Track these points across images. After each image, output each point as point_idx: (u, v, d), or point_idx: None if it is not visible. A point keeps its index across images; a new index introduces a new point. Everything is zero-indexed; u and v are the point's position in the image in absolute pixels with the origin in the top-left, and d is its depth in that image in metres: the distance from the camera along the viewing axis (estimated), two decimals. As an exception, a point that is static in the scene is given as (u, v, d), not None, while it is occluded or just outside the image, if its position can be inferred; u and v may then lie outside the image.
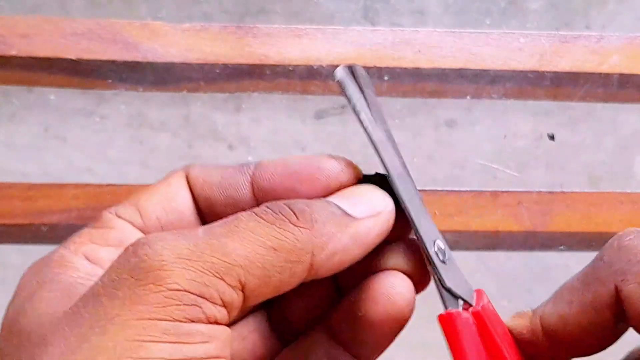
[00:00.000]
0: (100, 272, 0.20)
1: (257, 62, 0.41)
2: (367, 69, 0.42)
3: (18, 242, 0.42)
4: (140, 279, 0.18)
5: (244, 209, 0.22)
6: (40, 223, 0.39)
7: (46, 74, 0.42)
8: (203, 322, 0.18)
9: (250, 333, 0.24)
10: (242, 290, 0.19)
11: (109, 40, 0.41)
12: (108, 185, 0.40)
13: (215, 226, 0.19)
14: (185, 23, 0.42)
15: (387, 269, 0.23)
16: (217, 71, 0.41)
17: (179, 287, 0.18)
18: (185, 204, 0.23)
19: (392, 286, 0.22)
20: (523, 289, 0.88)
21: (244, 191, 0.23)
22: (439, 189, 0.41)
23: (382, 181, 0.23)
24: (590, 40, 0.43)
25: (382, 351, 0.23)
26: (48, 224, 0.39)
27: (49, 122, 0.81)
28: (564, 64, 0.42)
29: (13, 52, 0.40)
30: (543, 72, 0.42)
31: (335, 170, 0.22)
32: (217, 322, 0.18)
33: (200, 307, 0.18)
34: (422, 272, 0.23)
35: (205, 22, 0.42)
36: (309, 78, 0.42)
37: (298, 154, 0.87)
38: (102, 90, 0.45)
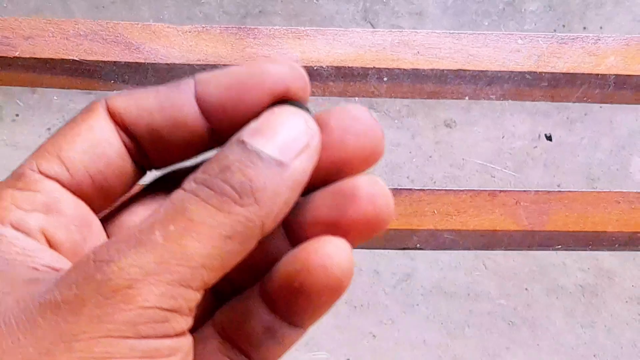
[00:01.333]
0: (32, 245, 0.20)
1: (258, 63, 0.41)
2: (367, 70, 0.42)
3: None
4: (108, 297, 0.17)
5: (194, 131, 0.21)
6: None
7: (49, 75, 0.42)
8: (170, 337, 0.18)
9: None
10: (204, 289, 0.18)
11: (111, 42, 0.41)
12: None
13: (168, 222, 0.18)
14: (187, 25, 0.42)
15: (320, 225, 0.21)
16: (219, 72, 0.42)
17: (149, 305, 0.17)
18: (111, 147, 0.21)
19: (328, 256, 0.20)
20: (521, 287, 0.88)
21: (191, 110, 0.21)
22: (438, 188, 0.41)
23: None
24: (587, 42, 0.43)
25: (318, 319, 0.22)
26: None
27: (52, 123, 0.81)
28: (562, 65, 0.42)
29: (17, 54, 0.40)
30: (541, 73, 0.42)
31: (280, 74, 0.21)
32: (183, 333, 0.18)
33: (169, 322, 0.17)
34: (358, 220, 0.21)
35: (206, 24, 0.42)
36: (309, 79, 0.42)
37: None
38: (105, 91, 0.45)
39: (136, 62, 0.41)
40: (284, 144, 0.19)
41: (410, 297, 0.89)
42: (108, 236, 0.22)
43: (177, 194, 0.19)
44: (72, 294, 0.17)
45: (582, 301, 0.88)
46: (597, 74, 0.42)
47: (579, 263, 0.89)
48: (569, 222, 0.41)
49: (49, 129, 0.82)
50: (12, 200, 0.20)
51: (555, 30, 0.93)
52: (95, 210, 0.22)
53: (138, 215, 0.23)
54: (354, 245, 0.21)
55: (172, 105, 0.21)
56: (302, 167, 0.19)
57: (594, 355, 0.87)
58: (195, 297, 0.18)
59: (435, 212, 0.40)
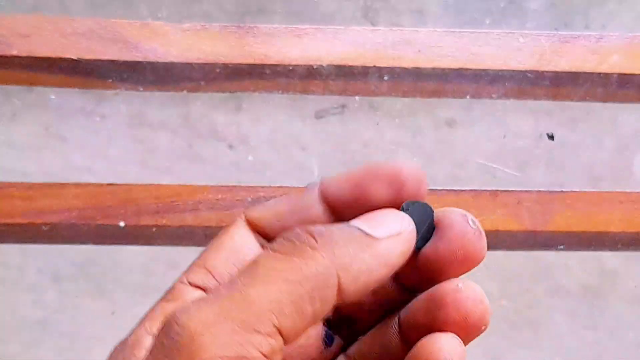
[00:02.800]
0: None
1: (257, 61, 0.41)
2: (367, 68, 0.42)
3: (18, 242, 0.42)
4: (174, 358, 0.18)
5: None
6: (41, 222, 0.39)
7: (46, 74, 0.42)
8: None
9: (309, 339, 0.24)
10: (280, 334, 0.18)
11: (109, 40, 0.41)
12: (108, 184, 0.40)
13: (238, 276, 0.19)
14: (186, 23, 0.42)
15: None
16: (217, 71, 0.42)
17: (214, 355, 0.17)
18: (252, 252, 0.23)
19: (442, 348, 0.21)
20: (523, 288, 0.88)
21: (316, 208, 0.23)
22: (439, 188, 0.41)
23: (423, 210, 0.23)
24: (590, 40, 0.43)
25: None
26: (48, 223, 0.39)
27: (49, 122, 0.81)
28: (564, 64, 0.42)
29: (14, 52, 0.40)
30: (543, 71, 0.42)
31: (396, 168, 0.22)
32: None
33: None
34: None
35: (205, 22, 0.42)
36: (309, 78, 0.42)
37: (298, 153, 0.87)
38: (103, 90, 0.45)
39: (134, 61, 0.41)
40: (377, 224, 0.21)
41: (411, 297, 0.89)
42: None
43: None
44: None
45: (585, 302, 0.88)
46: (600, 73, 0.42)
47: (581, 264, 0.88)
48: (572, 222, 0.41)
49: (46, 128, 0.81)
50: (162, 311, 0.22)
51: (557, 29, 0.92)
52: None
53: None
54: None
55: (302, 206, 0.23)
56: (390, 246, 0.21)
57: (597, 357, 0.87)
58: (267, 341, 0.18)
59: (436, 212, 0.40)
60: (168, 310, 0.21)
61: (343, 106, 0.87)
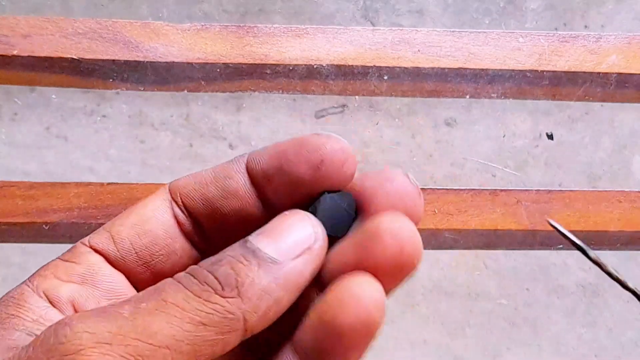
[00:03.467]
0: (54, 315, 0.20)
1: (258, 61, 0.41)
2: (367, 68, 0.42)
3: (19, 241, 0.42)
4: None
5: (242, 197, 0.22)
6: (42, 222, 0.39)
7: (48, 74, 0.42)
8: None
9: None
10: None
11: (110, 40, 0.41)
12: (109, 184, 0.40)
13: (142, 300, 0.18)
14: (186, 23, 0.42)
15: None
16: (218, 71, 0.42)
17: None
18: (160, 224, 0.22)
19: (359, 287, 0.19)
20: (522, 287, 0.88)
21: (240, 178, 0.22)
22: (438, 187, 0.41)
23: (342, 200, 0.21)
24: (589, 40, 0.43)
25: None
26: (49, 222, 0.39)
27: (50, 122, 0.81)
28: (563, 64, 0.42)
29: (15, 52, 0.40)
30: (542, 71, 0.42)
31: (318, 143, 0.21)
32: None
33: None
34: (389, 270, 0.20)
35: (205, 22, 0.42)
36: (309, 78, 0.42)
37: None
38: (104, 90, 0.45)
39: (135, 61, 0.41)
40: (284, 245, 0.20)
41: (411, 296, 0.89)
42: None
43: (164, 280, 0.19)
44: (26, 356, 0.18)
45: (583, 301, 0.88)
46: (599, 73, 0.42)
47: (580, 263, 0.88)
48: (570, 222, 0.41)
49: (47, 127, 0.81)
50: (54, 270, 0.21)
51: (556, 29, 0.93)
52: (140, 287, 0.22)
53: None
54: (386, 289, 0.20)
55: (225, 175, 0.22)
56: (298, 269, 0.19)
57: (595, 355, 0.87)
58: None
59: (436, 211, 0.40)
60: (60, 268, 0.21)
61: (343, 106, 0.87)
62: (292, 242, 0.20)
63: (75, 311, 0.21)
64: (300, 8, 0.89)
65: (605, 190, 0.42)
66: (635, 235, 0.41)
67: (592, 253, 0.21)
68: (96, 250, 0.22)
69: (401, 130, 0.88)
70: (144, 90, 0.43)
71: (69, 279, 0.21)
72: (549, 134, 0.88)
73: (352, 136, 0.87)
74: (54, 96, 0.74)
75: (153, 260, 0.22)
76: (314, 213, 0.21)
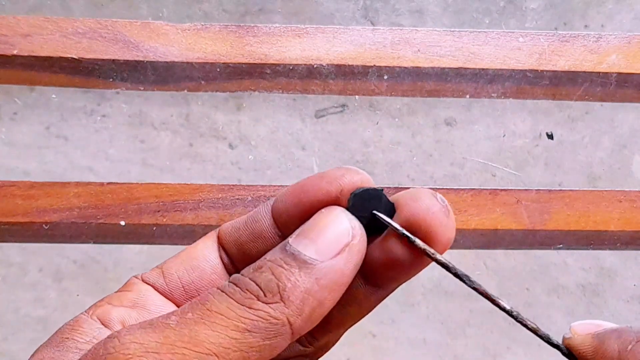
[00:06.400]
0: (106, 333, 0.21)
1: (258, 61, 0.41)
2: (367, 68, 0.42)
3: (19, 240, 0.42)
4: None
5: (267, 239, 0.22)
6: (42, 221, 0.39)
7: (48, 73, 0.42)
8: None
9: None
10: None
11: (110, 40, 0.41)
12: (109, 183, 0.40)
13: (188, 311, 0.19)
14: (186, 22, 0.42)
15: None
16: (218, 70, 0.42)
17: None
18: (207, 262, 0.23)
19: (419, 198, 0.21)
20: (522, 286, 0.88)
21: (266, 221, 0.23)
22: (438, 187, 0.41)
23: (373, 195, 0.21)
24: (589, 40, 0.43)
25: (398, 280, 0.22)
26: (49, 222, 0.39)
27: (50, 121, 0.81)
28: (563, 63, 0.42)
29: (15, 52, 0.40)
30: (542, 71, 0.42)
31: (335, 175, 0.21)
32: None
33: None
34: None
35: (205, 22, 0.42)
36: (309, 77, 0.42)
37: (298, 152, 0.87)
38: (104, 90, 0.45)
39: (135, 60, 0.41)
40: (323, 245, 0.20)
41: (411, 296, 0.89)
42: None
43: (209, 291, 0.20)
44: None
45: (584, 300, 0.88)
46: (599, 72, 0.42)
47: (580, 262, 0.88)
48: (570, 221, 0.41)
49: (47, 127, 0.81)
50: (108, 299, 0.22)
51: (556, 28, 0.93)
52: None
53: None
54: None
55: (254, 220, 0.23)
56: (338, 267, 0.20)
57: (595, 355, 0.87)
58: None
59: (436, 211, 0.40)
60: (113, 297, 0.22)
61: (343, 105, 0.87)
62: (330, 240, 0.20)
63: None
64: (300, 8, 0.89)
65: (605, 190, 0.42)
66: (635, 235, 0.41)
67: (440, 258, 0.21)
68: (146, 283, 0.23)
69: (401, 130, 0.88)
70: (144, 90, 0.43)
71: (121, 303, 0.22)
72: (549, 133, 0.87)
73: (352, 136, 0.87)
74: (53, 96, 0.74)
75: (198, 294, 0.23)
76: (351, 209, 0.21)
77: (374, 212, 0.21)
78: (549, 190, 0.42)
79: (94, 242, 0.41)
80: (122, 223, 0.39)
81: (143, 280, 0.23)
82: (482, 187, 0.41)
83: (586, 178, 0.88)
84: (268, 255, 0.20)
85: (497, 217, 0.40)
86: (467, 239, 0.41)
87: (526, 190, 0.41)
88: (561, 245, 0.42)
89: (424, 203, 0.21)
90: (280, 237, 0.22)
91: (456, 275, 0.21)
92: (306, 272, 0.19)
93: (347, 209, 0.21)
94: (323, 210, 0.21)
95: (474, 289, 0.21)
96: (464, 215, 0.40)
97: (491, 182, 0.89)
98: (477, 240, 0.42)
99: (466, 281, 0.21)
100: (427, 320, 0.87)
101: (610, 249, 0.43)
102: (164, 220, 0.39)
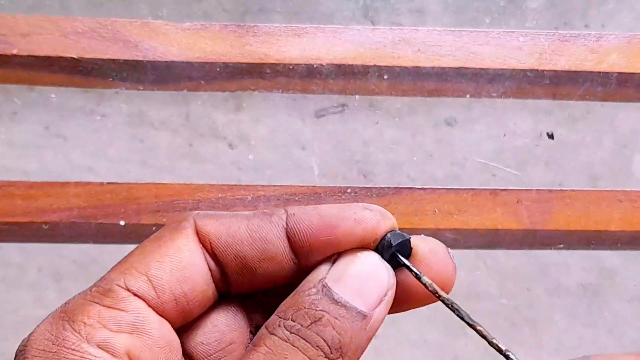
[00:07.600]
0: None
1: (258, 61, 0.41)
2: (367, 67, 0.42)
3: (19, 241, 0.42)
4: None
5: (280, 264, 0.22)
6: (41, 221, 0.39)
7: (47, 73, 0.42)
8: None
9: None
10: None
11: (109, 39, 0.41)
12: (109, 183, 0.40)
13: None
14: (186, 22, 0.42)
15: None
16: (218, 70, 0.42)
17: None
18: (198, 272, 0.22)
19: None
20: (522, 286, 0.88)
21: (281, 244, 0.22)
22: (439, 187, 0.41)
23: (401, 239, 0.23)
24: (589, 39, 0.43)
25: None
26: (49, 222, 0.39)
27: (49, 121, 0.81)
28: (563, 63, 0.42)
29: (14, 51, 0.40)
30: (542, 70, 0.42)
31: (372, 223, 0.22)
32: None
33: None
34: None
35: (205, 21, 0.42)
36: (309, 77, 0.42)
37: (298, 152, 0.87)
38: (103, 89, 0.45)
39: (135, 60, 0.41)
40: (367, 296, 0.21)
41: (411, 296, 0.89)
42: (183, 348, 0.23)
43: (272, 340, 0.20)
44: None
45: (584, 301, 0.88)
46: (599, 72, 0.42)
47: (581, 262, 0.88)
48: (571, 221, 0.41)
49: (47, 127, 0.81)
50: (100, 319, 0.21)
51: (556, 28, 0.92)
52: (173, 327, 0.23)
53: (213, 321, 0.24)
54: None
55: (264, 238, 0.22)
56: (380, 317, 0.22)
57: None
58: None
59: (436, 211, 0.40)
60: (105, 317, 0.21)
61: (343, 105, 0.87)
62: (374, 291, 0.21)
63: None
64: (300, 7, 0.89)
65: (606, 190, 0.42)
66: (636, 235, 0.41)
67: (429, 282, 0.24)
68: (136, 295, 0.22)
69: (401, 130, 0.88)
70: (143, 89, 0.43)
71: (119, 329, 0.21)
72: (550, 133, 0.87)
73: (352, 136, 0.87)
74: (53, 95, 0.74)
75: (189, 305, 0.22)
76: (382, 254, 0.23)
77: (397, 253, 0.23)
78: (550, 190, 0.42)
79: (94, 242, 0.41)
80: (122, 223, 0.39)
81: (129, 290, 0.21)
82: (482, 187, 0.41)
83: (587, 178, 0.88)
84: (318, 303, 0.21)
85: (498, 217, 0.40)
86: (467, 239, 0.41)
87: (527, 190, 0.41)
88: (562, 245, 0.42)
89: (441, 260, 0.23)
90: (295, 264, 0.22)
91: (460, 317, 0.23)
92: (359, 327, 0.21)
93: (376, 249, 0.23)
94: (359, 255, 0.22)
95: (472, 326, 0.23)
96: (465, 215, 0.40)
97: (491, 182, 0.89)
98: (478, 240, 0.42)
99: (471, 323, 0.23)
100: (428, 320, 0.87)
101: (611, 249, 0.43)
102: (164, 220, 0.39)
